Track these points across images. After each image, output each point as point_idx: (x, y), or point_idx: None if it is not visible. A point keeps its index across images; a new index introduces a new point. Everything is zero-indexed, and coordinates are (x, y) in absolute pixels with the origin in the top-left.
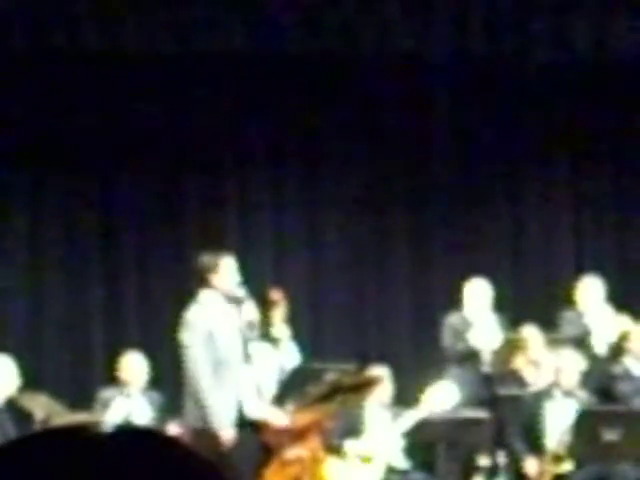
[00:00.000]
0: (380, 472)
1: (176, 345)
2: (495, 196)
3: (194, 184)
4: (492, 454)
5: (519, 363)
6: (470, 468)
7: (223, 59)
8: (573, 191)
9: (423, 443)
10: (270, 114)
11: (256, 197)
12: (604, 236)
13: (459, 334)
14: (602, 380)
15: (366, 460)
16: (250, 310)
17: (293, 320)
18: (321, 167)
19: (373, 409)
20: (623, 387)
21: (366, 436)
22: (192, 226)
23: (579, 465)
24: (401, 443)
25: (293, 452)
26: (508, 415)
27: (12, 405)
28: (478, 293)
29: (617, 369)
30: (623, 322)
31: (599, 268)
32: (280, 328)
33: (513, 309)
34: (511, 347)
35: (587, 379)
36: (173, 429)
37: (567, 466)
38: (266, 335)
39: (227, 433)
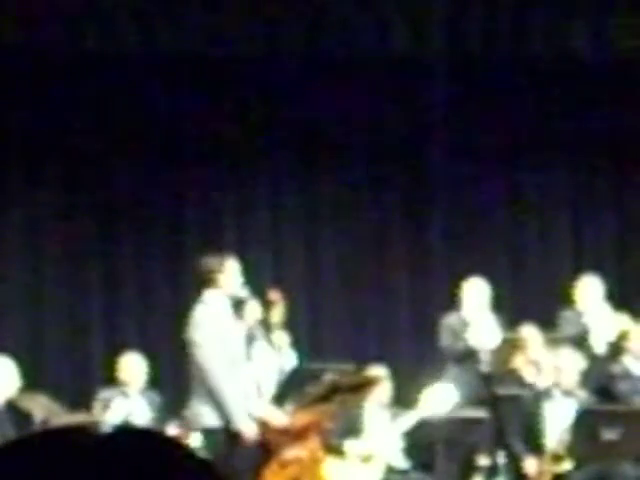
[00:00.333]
0: (379, 472)
1: (175, 346)
2: (494, 196)
3: (193, 185)
4: (492, 454)
5: (518, 363)
6: (469, 468)
7: (222, 60)
8: (572, 191)
9: (422, 443)
10: (269, 115)
11: (254, 198)
12: (603, 236)
13: (457, 334)
14: (601, 379)
15: (365, 460)
16: (254, 310)
17: (292, 321)
18: (320, 168)
19: (372, 409)
20: (622, 386)
21: (365, 436)
22: (191, 228)
23: (579, 464)
24: (400, 443)
25: (292, 452)
26: (507, 415)
27: (12, 406)
28: (476, 293)
29: (616, 368)
30: (622, 321)
31: (598, 268)
32: (279, 335)
33: (512, 309)
34: (510, 347)
35: (586, 378)
36: (172, 429)
37: (567, 465)
38: (266, 337)
39: (250, 429)
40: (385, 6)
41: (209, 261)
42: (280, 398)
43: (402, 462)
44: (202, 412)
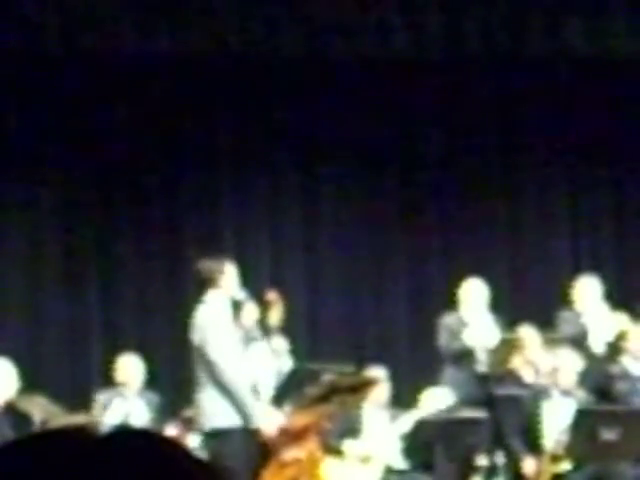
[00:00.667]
0: (378, 472)
1: (173, 347)
2: (493, 196)
3: (191, 187)
4: (490, 454)
5: (517, 363)
6: (468, 468)
7: (221, 61)
8: (570, 191)
9: (421, 443)
10: (268, 116)
11: (253, 200)
12: (601, 236)
13: (455, 334)
14: (600, 379)
15: (364, 461)
16: (252, 312)
17: (290, 322)
18: (319, 170)
19: (371, 410)
20: (621, 386)
21: (364, 437)
22: (189, 229)
23: (577, 465)
24: (399, 443)
25: (291, 453)
26: (506, 415)
27: (10, 408)
28: (474, 293)
29: (615, 368)
30: (620, 321)
31: (596, 268)
32: (277, 336)
33: (510, 309)
34: (508, 347)
35: (585, 378)
36: (171, 430)
37: (565, 466)
38: (264, 338)
39: (269, 425)
40: (385, 7)
41: (211, 262)
42: (279, 399)
43: (401, 462)
44: (216, 413)
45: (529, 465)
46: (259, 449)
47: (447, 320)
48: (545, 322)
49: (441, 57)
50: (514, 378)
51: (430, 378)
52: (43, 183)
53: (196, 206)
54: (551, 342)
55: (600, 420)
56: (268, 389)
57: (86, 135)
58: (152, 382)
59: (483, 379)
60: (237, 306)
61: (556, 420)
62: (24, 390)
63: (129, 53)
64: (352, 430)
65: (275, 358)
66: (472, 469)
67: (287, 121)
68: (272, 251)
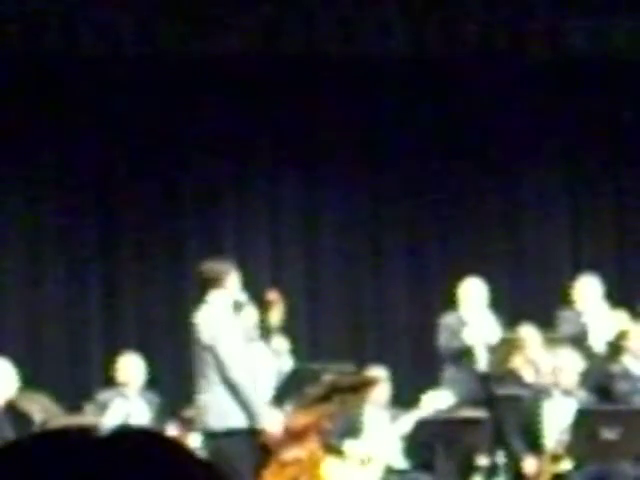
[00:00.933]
0: (379, 472)
1: (173, 346)
2: (493, 196)
3: (192, 188)
4: (491, 454)
5: (517, 363)
6: (469, 468)
7: (221, 61)
8: (570, 190)
9: (422, 443)
10: (268, 117)
11: (254, 201)
12: (601, 235)
13: (455, 333)
14: (601, 379)
15: (365, 461)
16: (252, 313)
17: (291, 322)
18: (318, 170)
19: (371, 410)
20: (622, 386)
21: (365, 437)
22: (190, 230)
23: (578, 464)
24: (400, 443)
25: (292, 453)
26: (507, 415)
27: (11, 407)
28: (473, 292)
29: (616, 368)
30: (621, 321)
31: (597, 267)
32: (278, 337)
33: (510, 308)
34: (509, 346)
35: (585, 378)
36: (171, 430)
37: (566, 465)
38: (264, 338)
39: (275, 425)
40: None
41: (216, 263)
42: (279, 399)
43: (401, 462)
44: (219, 413)
45: (530, 465)
46: (260, 449)
47: (447, 320)
48: (545, 322)
49: (440, 56)
50: (515, 378)
51: (430, 378)
52: (43, 184)
53: (197, 207)
54: (551, 342)
55: (601, 420)
56: (268, 389)
57: (86, 134)
58: (152, 382)
59: (483, 379)
60: (237, 307)
61: (557, 420)
62: (25, 390)
63: (128, 52)
64: (353, 430)
65: (275, 358)
66: (472, 469)
67: (288, 121)
68: (272, 252)
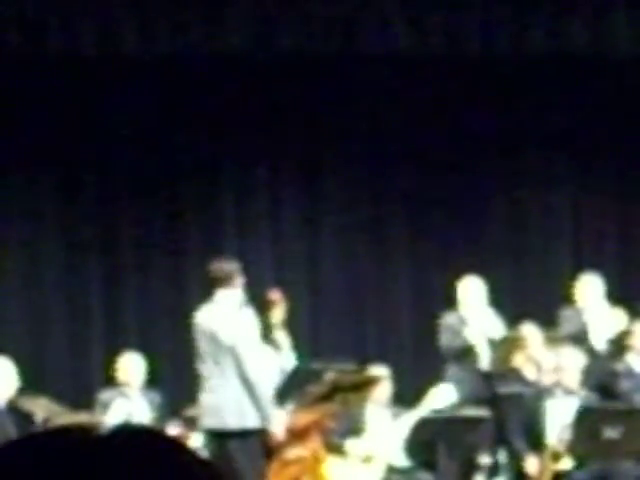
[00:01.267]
0: (381, 471)
1: (175, 346)
2: (494, 194)
3: (193, 187)
4: (493, 452)
5: (519, 361)
6: (471, 467)
7: (220, 62)
8: (572, 188)
9: (424, 442)
10: (268, 118)
11: (255, 201)
12: (603, 233)
13: (456, 332)
14: (603, 378)
15: (367, 459)
16: (250, 315)
17: (293, 321)
18: (319, 170)
19: (373, 409)
20: (624, 384)
21: (367, 435)
22: (192, 229)
23: (580, 463)
24: (402, 442)
25: (294, 452)
26: (509, 413)
27: (13, 407)
28: (472, 291)
29: (619, 366)
30: (622, 319)
31: (598, 265)
32: (280, 336)
33: (512, 307)
34: (510, 345)
35: (587, 377)
36: (173, 429)
37: (568, 464)
38: (266, 338)
39: (280, 428)
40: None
41: (224, 262)
42: (282, 398)
43: (403, 461)
44: (246, 413)
45: (532, 463)
46: (263, 449)
47: (448, 319)
48: (547, 320)
49: (441, 54)
50: (516, 376)
51: (432, 377)
52: (43, 184)
53: (198, 206)
54: (553, 340)
55: (603, 418)
56: (270, 389)
57: (86, 133)
58: (154, 381)
59: (486, 377)
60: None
61: (559, 418)
62: (27, 389)
63: (128, 52)
64: (354, 429)
65: (278, 357)
66: (474, 467)
67: (288, 121)
68: (274, 251)
